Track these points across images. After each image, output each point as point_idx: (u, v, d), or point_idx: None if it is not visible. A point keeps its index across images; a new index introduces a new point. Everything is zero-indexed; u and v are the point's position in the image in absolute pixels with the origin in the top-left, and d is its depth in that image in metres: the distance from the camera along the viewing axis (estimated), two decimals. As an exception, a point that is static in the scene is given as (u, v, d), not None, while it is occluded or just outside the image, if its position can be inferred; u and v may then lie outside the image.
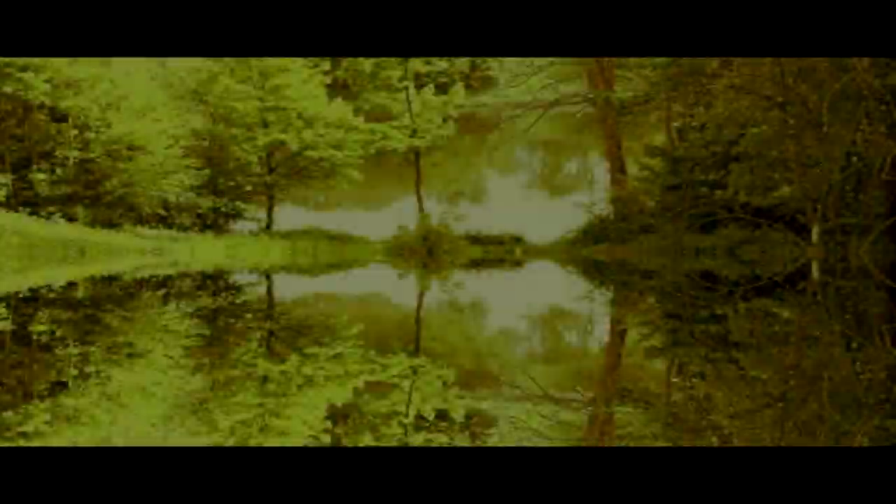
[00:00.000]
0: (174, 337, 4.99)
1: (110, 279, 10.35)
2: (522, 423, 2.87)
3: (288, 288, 9.97)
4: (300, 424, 2.82)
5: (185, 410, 3.01)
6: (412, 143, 23.22)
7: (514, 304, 7.86)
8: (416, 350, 4.72)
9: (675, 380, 3.79)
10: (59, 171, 19.60)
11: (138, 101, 20.50)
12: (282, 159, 22.82)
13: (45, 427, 2.66)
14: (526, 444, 2.60)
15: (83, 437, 2.55)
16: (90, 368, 3.79)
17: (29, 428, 2.65)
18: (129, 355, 4.22)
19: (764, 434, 2.61)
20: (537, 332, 5.91)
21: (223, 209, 22.60)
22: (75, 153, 19.54)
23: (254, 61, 21.52)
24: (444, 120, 23.63)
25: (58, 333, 5.03)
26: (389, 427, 2.77)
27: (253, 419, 2.86)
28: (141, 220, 20.55)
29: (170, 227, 21.28)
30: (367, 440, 2.59)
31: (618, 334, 5.47)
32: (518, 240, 21.12)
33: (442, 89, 25.07)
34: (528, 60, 21.90)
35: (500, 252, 19.44)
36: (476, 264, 14.69)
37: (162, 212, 21.23)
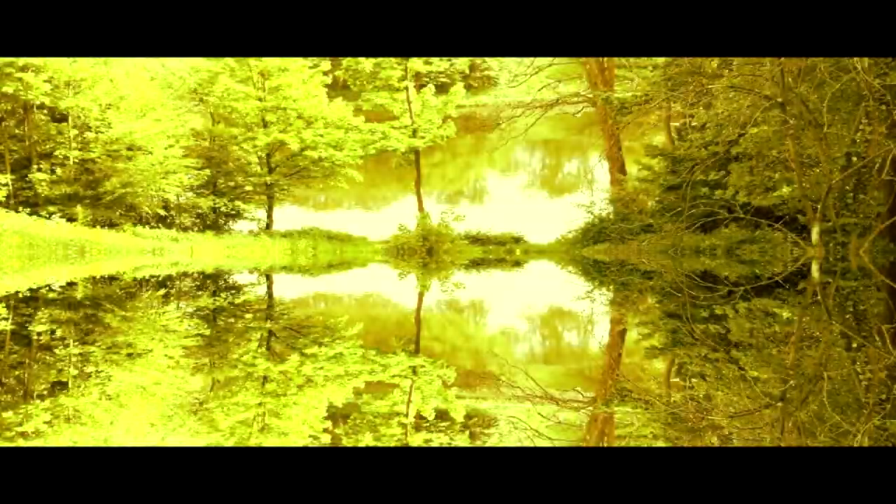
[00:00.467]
0: (174, 337, 4.98)
1: (110, 279, 10.34)
2: (522, 423, 2.87)
3: (288, 288, 9.97)
4: (300, 424, 2.82)
5: (184, 410, 3.01)
6: (412, 143, 23.20)
7: (514, 304, 7.86)
8: (416, 350, 4.72)
9: (675, 380, 3.79)
10: (59, 171, 19.59)
11: (138, 101, 20.49)
12: (282, 159, 22.80)
13: (45, 427, 2.66)
14: (526, 444, 2.60)
15: (83, 437, 2.55)
16: (90, 368, 3.79)
17: (29, 428, 2.65)
18: (129, 355, 4.22)
19: (764, 434, 2.61)
20: (537, 332, 5.91)
21: (223, 209, 22.57)
22: (75, 153, 19.53)
23: (254, 61, 21.53)
24: (444, 120, 23.61)
25: (58, 333, 5.03)
26: (389, 427, 2.77)
27: (253, 419, 2.86)
28: (141, 220, 20.55)
29: (170, 227, 21.27)
30: (367, 440, 2.59)
31: (618, 334, 5.47)
32: (518, 240, 21.11)
33: (442, 89, 25.08)
34: (528, 60, 21.88)
35: (500, 252, 19.43)
36: (476, 264, 14.67)
37: (162, 212, 21.22)
